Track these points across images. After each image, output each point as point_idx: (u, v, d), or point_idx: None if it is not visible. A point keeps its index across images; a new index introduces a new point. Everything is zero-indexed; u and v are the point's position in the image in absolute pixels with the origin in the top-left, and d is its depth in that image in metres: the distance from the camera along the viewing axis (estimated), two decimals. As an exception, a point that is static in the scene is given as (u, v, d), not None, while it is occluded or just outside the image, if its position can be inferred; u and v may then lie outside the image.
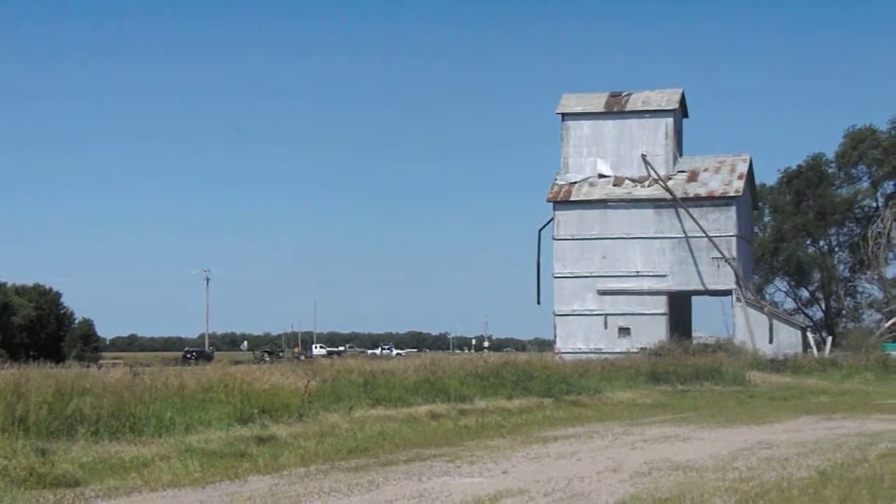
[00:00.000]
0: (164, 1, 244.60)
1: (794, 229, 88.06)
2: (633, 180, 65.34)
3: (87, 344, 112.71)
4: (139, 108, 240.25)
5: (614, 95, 67.59)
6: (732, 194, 64.00)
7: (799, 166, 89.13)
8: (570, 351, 60.87)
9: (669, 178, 64.76)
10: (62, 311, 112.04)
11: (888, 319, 73.01)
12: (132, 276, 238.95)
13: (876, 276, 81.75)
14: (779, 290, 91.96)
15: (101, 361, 69.06)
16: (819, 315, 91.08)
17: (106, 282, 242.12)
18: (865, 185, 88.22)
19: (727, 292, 64.07)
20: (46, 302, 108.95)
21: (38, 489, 15.38)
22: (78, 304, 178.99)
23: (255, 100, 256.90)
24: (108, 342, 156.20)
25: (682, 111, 68.51)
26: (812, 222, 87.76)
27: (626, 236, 64.26)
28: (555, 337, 65.36)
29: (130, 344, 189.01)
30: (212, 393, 23.52)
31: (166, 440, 19.47)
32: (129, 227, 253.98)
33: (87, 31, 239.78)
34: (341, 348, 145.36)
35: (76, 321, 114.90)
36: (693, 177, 65.42)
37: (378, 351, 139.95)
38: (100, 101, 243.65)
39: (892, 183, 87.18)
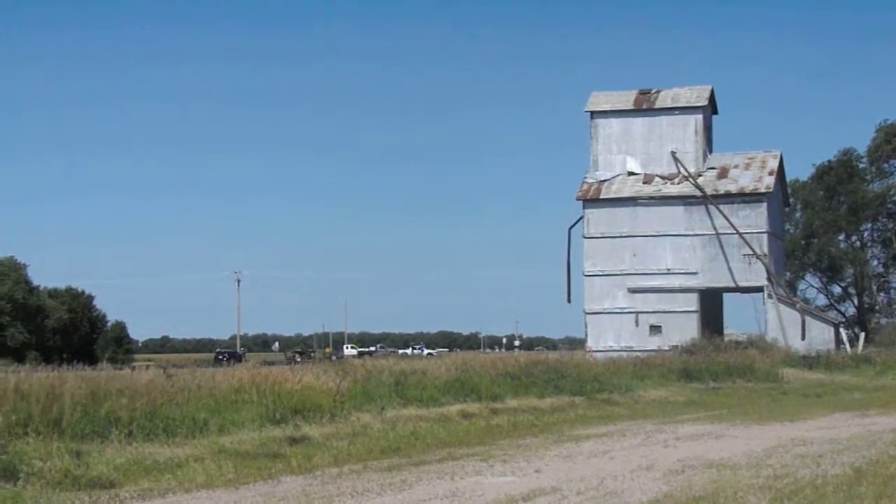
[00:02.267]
0: (195, 10, 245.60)
1: (825, 225, 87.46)
2: (662, 177, 65.08)
3: (120, 346, 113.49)
4: (169, 113, 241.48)
5: (643, 93, 67.33)
6: (763, 190, 63.64)
7: (829, 161, 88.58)
8: (602, 349, 60.69)
9: (699, 175, 64.48)
10: (95, 314, 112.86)
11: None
12: (164, 279, 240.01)
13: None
14: (811, 286, 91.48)
15: (133, 363, 69.40)
16: (852, 311, 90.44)
17: (138, 284, 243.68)
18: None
19: (759, 289, 63.69)
20: (79, 305, 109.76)
21: (73, 491, 15.47)
22: (110, 307, 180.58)
23: (287, 106, 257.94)
24: (140, 344, 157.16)
25: (711, 108, 68.18)
26: (844, 217, 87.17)
27: (656, 234, 64.00)
28: (586, 335, 65.16)
29: (163, 346, 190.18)
30: (244, 394, 23.58)
31: (199, 441, 19.53)
32: (160, 230, 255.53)
33: (129, 38, 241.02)
34: (372, 348, 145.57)
35: (109, 324, 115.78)
36: (723, 173, 65.09)
37: (409, 351, 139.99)
38: (132, 107, 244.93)
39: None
